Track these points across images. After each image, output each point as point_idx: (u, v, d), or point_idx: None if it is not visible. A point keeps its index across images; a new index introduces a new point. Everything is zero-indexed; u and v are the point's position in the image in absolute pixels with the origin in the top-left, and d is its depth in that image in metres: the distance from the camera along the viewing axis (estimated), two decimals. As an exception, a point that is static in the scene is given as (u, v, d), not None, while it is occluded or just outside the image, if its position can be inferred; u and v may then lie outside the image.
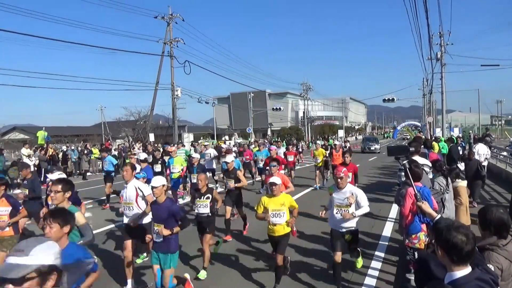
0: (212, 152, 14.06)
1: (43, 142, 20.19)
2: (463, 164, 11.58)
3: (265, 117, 73.90)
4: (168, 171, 10.34)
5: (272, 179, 4.74)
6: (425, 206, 3.04)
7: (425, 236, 4.21)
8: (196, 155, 9.96)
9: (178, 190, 10.93)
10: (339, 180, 4.60)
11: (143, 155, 9.94)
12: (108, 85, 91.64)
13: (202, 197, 5.35)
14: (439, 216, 2.82)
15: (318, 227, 7.69)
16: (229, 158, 8.21)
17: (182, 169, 10.24)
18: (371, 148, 35.66)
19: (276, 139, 34.77)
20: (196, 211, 5.53)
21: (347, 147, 19.88)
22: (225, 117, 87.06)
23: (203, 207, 5.32)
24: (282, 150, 15.18)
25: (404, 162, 3.99)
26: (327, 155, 13.80)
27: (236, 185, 7.49)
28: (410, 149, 5.71)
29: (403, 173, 4.56)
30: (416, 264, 2.30)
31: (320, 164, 13.34)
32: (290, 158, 13.73)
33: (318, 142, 15.95)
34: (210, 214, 5.35)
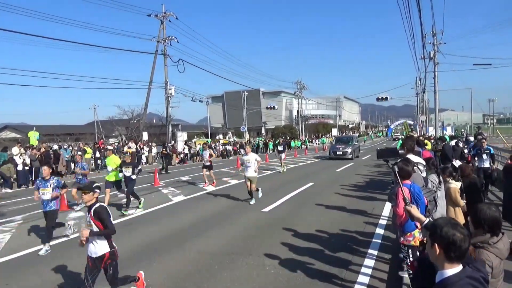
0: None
1: (34, 143, 20.05)
2: (457, 161, 11.76)
3: (259, 116, 73.91)
4: None
5: None
6: (414, 211, 3.04)
7: (420, 233, 4.23)
8: None
9: None
10: None
11: None
12: (101, 84, 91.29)
13: None
14: (427, 220, 2.84)
15: (312, 226, 7.71)
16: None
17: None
18: (338, 153, 25.86)
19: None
20: None
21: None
22: (219, 116, 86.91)
23: None
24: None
25: (393, 165, 4.00)
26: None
27: None
28: (400, 151, 5.77)
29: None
30: (417, 263, 2.26)
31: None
32: None
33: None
34: None
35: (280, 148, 21.12)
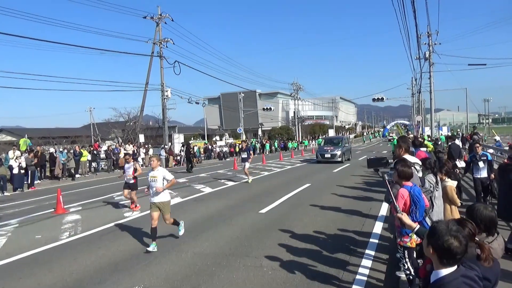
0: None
1: (25, 149, 20.02)
2: (462, 162, 11.71)
3: (256, 117, 74.00)
4: None
5: None
6: (405, 218, 3.09)
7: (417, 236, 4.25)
8: None
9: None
10: None
11: None
12: (97, 86, 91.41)
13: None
14: (418, 226, 2.87)
15: (310, 227, 7.72)
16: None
17: None
18: (325, 156, 23.83)
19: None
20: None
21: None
22: (216, 118, 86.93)
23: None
24: None
25: (383, 174, 4.02)
26: None
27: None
28: (390, 161, 5.80)
29: (393, 172, 4.58)
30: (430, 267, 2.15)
31: None
32: None
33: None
34: None
35: (244, 155, 16.15)
